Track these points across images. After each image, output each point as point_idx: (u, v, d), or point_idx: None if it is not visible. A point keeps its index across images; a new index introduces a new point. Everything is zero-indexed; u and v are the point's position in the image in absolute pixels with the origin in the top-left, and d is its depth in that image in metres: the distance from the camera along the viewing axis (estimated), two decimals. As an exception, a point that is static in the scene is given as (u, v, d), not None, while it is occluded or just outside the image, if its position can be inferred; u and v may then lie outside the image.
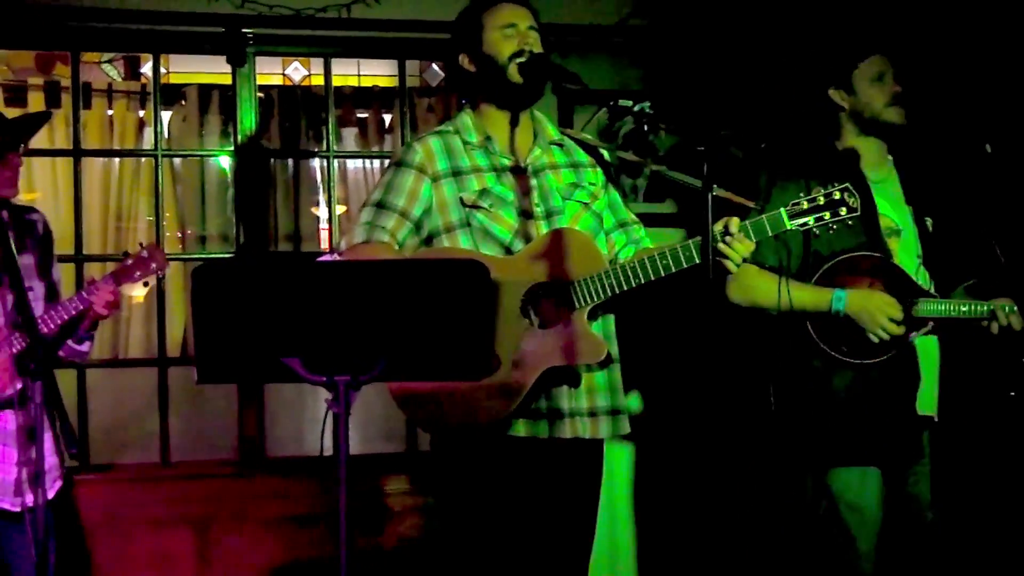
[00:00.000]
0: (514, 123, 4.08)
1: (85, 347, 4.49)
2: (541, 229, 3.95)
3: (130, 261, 4.33)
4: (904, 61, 4.59)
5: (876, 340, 4.33)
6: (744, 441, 5.37)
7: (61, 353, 4.46)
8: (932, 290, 4.48)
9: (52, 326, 4.24)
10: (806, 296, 4.39)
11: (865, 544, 4.42)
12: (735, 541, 5.69)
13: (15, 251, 4.01)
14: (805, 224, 3.86)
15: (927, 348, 4.50)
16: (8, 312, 4.18)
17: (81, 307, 4.26)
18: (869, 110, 4.54)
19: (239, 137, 5.95)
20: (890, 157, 4.67)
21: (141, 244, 4.39)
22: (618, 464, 5.91)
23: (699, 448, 5.61)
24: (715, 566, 5.74)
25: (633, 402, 5.43)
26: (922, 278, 4.49)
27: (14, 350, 4.14)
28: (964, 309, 4.37)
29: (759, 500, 5.62)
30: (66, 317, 4.26)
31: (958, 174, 4.85)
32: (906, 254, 4.52)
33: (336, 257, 4.17)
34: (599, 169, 4.20)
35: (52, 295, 4.42)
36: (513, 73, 3.98)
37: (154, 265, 4.36)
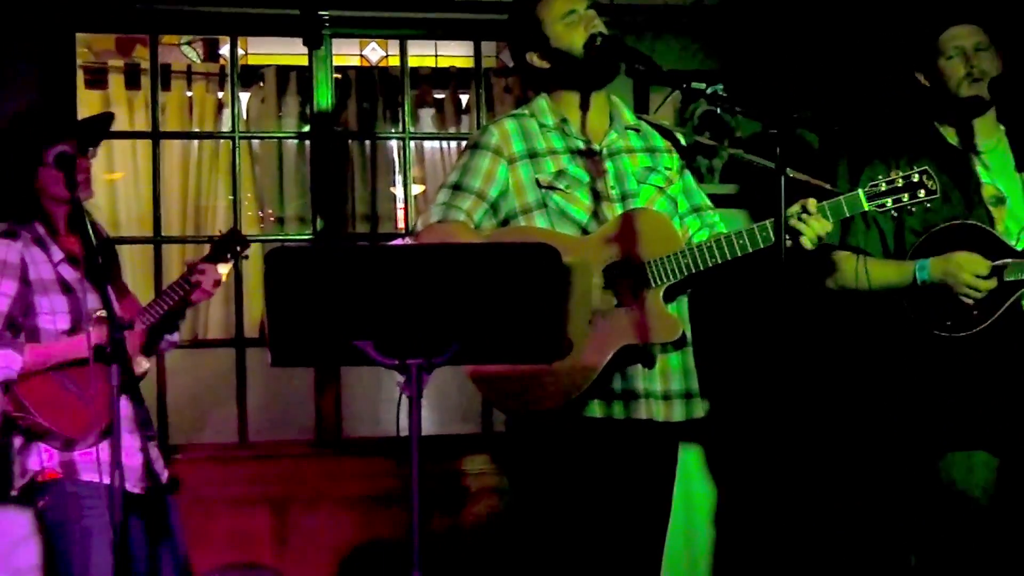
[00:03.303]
0: (589, 105, 4.09)
1: (175, 337, 4.63)
2: (616, 211, 3.96)
3: (218, 245, 4.50)
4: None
5: (968, 300, 4.23)
6: (835, 432, 5.29)
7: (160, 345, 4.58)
8: None
9: (160, 311, 4.37)
10: (890, 272, 4.34)
11: (976, 534, 4.32)
12: (822, 544, 5.60)
13: (94, 239, 4.05)
14: (883, 205, 3.83)
15: None
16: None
17: (186, 290, 4.38)
18: (947, 87, 4.46)
19: (316, 119, 5.96)
20: (1001, 126, 4.56)
21: (220, 231, 4.49)
22: (694, 465, 5.87)
23: (781, 443, 5.56)
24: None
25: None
26: None
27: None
28: None
29: (853, 495, 5.54)
30: (172, 302, 4.38)
31: None
32: (1013, 222, 4.40)
33: (409, 239, 4.19)
34: (675, 154, 4.19)
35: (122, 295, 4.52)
36: (587, 54, 3.97)
37: (239, 247, 4.51)
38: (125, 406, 4.25)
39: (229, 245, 4.51)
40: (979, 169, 4.44)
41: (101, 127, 4.53)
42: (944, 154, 4.43)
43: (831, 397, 5.22)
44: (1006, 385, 4.32)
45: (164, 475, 4.47)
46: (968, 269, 4.21)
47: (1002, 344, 4.30)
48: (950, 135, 4.52)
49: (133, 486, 4.29)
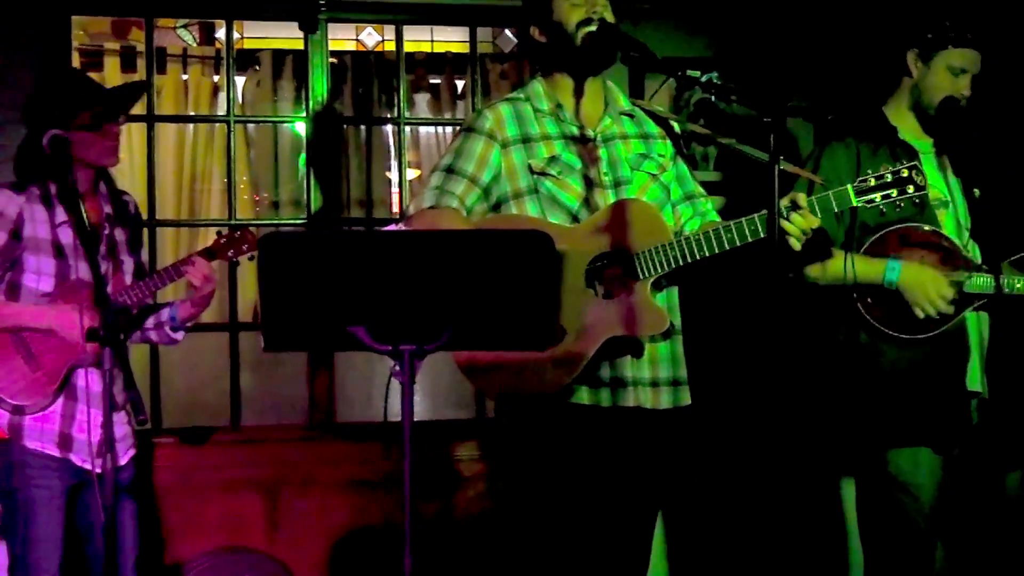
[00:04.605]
0: (584, 91, 4.07)
1: (179, 336, 4.62)
2: (609, 198, 3.95)
3: (223, 240, 4.49)
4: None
5: (923, 315, 4.30)
6: (785, 425, 5.32)
7: (154, 337, 4.61)
8: (981, 263, 4.43)
9: (147, 292, 4.38)
10: (859, 267, 4.37)
11: (922, 525, 4.39)
12: (771, 534, 5.63)
13: (88, 223, 4.06)
14: (872, 201, 3.83)
15: (973, 322, 4.46)
16: (89, 281, 4.26)
17: (175, 278, 4.39)
18: (928, 94, 4.50)
19: (311, 103, 5.96)
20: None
21: (237, 229, 4.52)
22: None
23: (733, 434, 5.60)
24: (749, 559, 5.69)
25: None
26: (971, 251, 4.45)
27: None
28: (1019, 286, 4.33)
29: (796, 490, 5.58)
30: (160, 287, 4.40)
31: (1008, 145, 4.78)
32: (954, 226, 4.48)
33: (401, 225, 4.19)
34: (668, 141, 4.18)
35: (139, 273, 4.54)
36: (581, 40, 3.96)
37: (246, 247, 4.50)
38: (96, 381, 4.25)
39: (234, 246, 4.50)
40: (927, 170, 4.47)
41: (132, 94, 4.54)
42: (900, 148, 4.47)
43: (791, 390, 5.26)
44: (948, 386, 4.40)
45: (125, 457, 4.43)
46: (937, 290, 4.28)
47: (947, 347, 4.40)
48: (904, 131, 4.55)
49: (84, 461, 4.29)
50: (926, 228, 4.38)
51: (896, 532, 4.42)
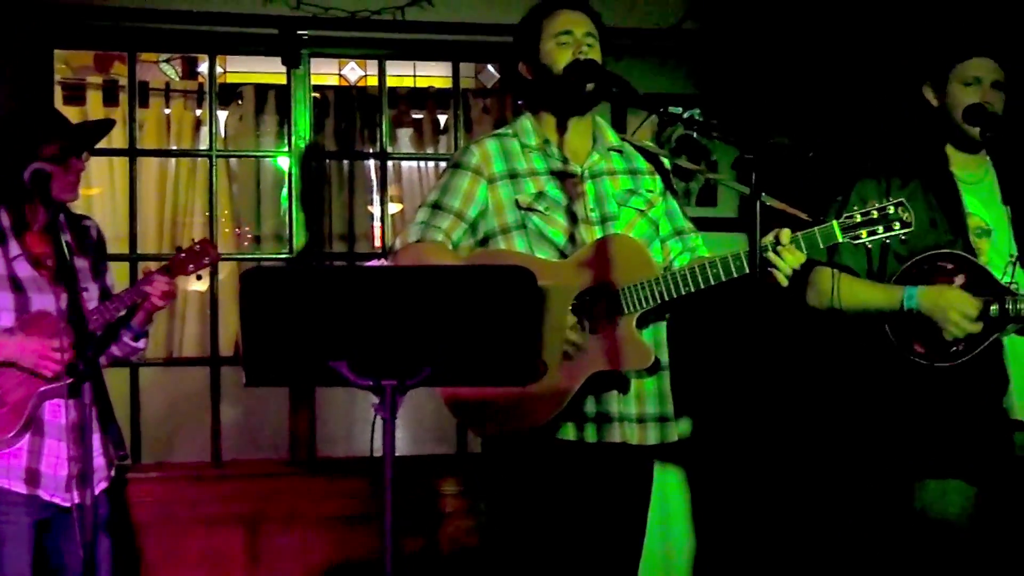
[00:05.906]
0: (570, 128, 4.07)
1: (142, 344, 4.55)
2: (596, 234, 3.95)
3: (183, 255, 4.42)
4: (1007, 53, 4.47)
5: (951, 338, 4.22)
6: (811, 453, 5.29)
7: (117, 352, 4.54)
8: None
9: (109, 315, 4.30)
10: (878, 295, 4.33)
11: (952, 563, 4.30)
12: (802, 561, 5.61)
13: (68, 253, 4.03)
14: (858, 237, 3.79)
15: (1012, 347, 4.39)
16: (62, 310, 4.22)
17: (137, 299, 4.33)
18: (955, 116, 4.43)
19: (294, 138, 5.96)
20: (988, 156, 4.53)
21: (194, 240, 4.46)
22: (672, 482, 5.90)
23: (760, 462, 5.57)
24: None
25: (683, 427, 5.32)
26: (1019, 279, 4.36)
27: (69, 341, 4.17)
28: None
29: (830, 516, 5.55)
30: (123, 308, 4.32)
31: None
32: (996, 254, 4.38)
33: (384, 261, 4.18)
34: (657, 176, 4.18)
35: (105, 298, 4.47)
36: (563, 79, 3.96)
37: (207, 259, 4.44)
38: (61, 412, 4.22)
39: (193, 259, 4.44)
40: (967, 198, 4.44)
41: (99, 130, 4.53)
42: (935, 179, 4.43)
43: (812, 420, 5.23)
44: (983, 415, 4.32)
45: (96, 489, 4.31)
46: (958, 308, 4.18)
47: (979, 374, 4.30)
48: (952, 164, 4.50)
49: (53, 495, 4.24)
50: (955, 253, 4.30)
51: (926, 566, 4.32)
